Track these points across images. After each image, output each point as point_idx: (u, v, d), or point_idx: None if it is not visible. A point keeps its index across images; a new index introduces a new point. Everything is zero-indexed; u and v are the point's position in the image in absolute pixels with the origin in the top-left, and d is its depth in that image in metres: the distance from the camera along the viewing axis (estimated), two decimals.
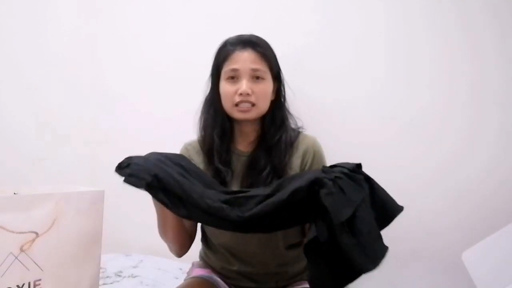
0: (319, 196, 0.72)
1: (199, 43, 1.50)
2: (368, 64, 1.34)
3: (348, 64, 1.36)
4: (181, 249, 1.05)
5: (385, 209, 0.77)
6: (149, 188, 0.79)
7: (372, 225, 0.72)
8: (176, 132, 1.23)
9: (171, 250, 1.07)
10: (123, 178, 0.80)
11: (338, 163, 0.80)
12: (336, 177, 0.73)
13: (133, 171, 0.80)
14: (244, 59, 1.00)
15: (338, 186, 0.72)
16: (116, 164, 0.83)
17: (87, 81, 1.70)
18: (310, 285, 0.80)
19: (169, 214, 0.90)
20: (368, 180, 0.77)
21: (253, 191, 0.82)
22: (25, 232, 0.70)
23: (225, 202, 0.79)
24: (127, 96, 1.65)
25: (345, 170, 0.75)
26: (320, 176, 0.74)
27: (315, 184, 0.73)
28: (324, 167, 0.80)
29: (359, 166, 0.78)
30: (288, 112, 1.11)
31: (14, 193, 0.77)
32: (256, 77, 1.01)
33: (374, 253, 0.70)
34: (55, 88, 1.66)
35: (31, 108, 1.61)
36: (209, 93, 1.09)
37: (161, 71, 1.59)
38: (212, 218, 0.79)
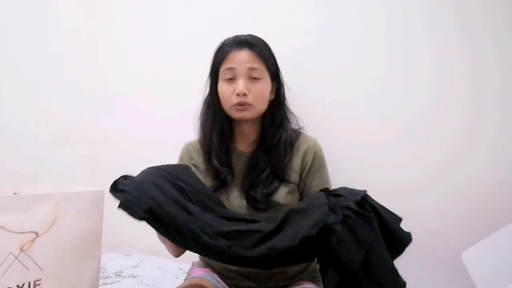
0: (331, 243, 0.70)
1: (199, 43, 1.50)
2: (368, 64, 1.34)
3: (348, 64, 1.35)
4: (180, 252, 1.05)
5: (395, 239, 0.75)
6: (145, 219, 0.77)
7: (385, 262, 0.71)
8: (176, 132, 1.23)
9: (169, 251, 1.07)
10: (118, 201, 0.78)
11: (341, 190, 0.78)
12: (344, 216, 0.71)
13: (126, 201, 0.77)
14: (241, 59, 1.00)
15: (348, 227, 0.70)
16: (112, 183, 0.80)
17: (87, 81, 1.70)
18: None
19: None
20: (375, 210, 0.75)
21: (256, 225, 0.78)
22: (25, 232, 0.70)
23: (225, 236, 0.76)
24: (127, 96, 1.65)
25: (353, 206, 0.72)
26: (329, 221, 0.71)
27: (325, 229, 0.71)
28: (330, 200, 0.75)
29: (364, 198, 0.75)
30: (289, 112, 1.11)
31: (14, 193, 0.77)
32: (253, 77, 1.01)
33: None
34: (55, 88, 1.66)
35: (31, 108, 1.61)
36: (208, 94, 1.10)
37: (161, 71, 1.59)
38: (211, 253, 0.77)
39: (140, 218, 0.76)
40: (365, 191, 0.77)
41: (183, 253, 1.07)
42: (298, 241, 0.71)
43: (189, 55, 1.53)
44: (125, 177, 0.82)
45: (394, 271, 0.72)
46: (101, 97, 1.69)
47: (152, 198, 0.77)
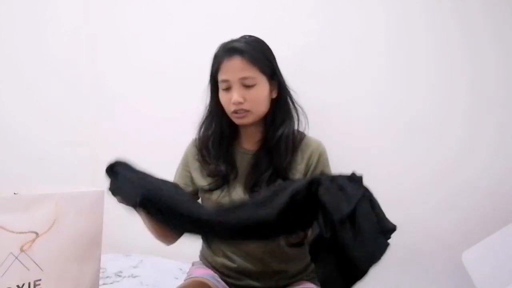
0: (318, 194, 0.70)
1: (199, 43, 1.50)
2: (368, 64, 1.34)
3: (348, 64, 1.35)
4: (171, 241, 1.03)
5: (380, 225, 0.73)
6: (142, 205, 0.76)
7: (372, 220, 0.70)
8: (176, 132, 1.23)
9: (158, 240, 1.06)
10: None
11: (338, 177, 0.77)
12: (334, 177, 0.72)
13: (121, 194, 0.79)
14: (232, 69, 1.00)
15: (336, 184, 0.71)
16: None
17: (87, 82, 1.70)
18: (321, 286, 0.78)
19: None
20: (367, 191, 0.74)
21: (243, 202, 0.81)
22: (25, 232, 0.70)
23: (217, 212, 0.77)
24: (127, 96, 1.65)
25: (344, 175, 0.73)
26: (318, 176, 0.73)
27: (313, 184, 0.71)
28: (323, 172, 0.79)
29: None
30: (294, 109, 1.09)
31: (14, 193, 0.77)
32: (246, 85, 1.00)
33: (374, 249, 0.69)
34: (55, 88, 1.66)
35: (31, 108, 1.61)
36: (210, 102, 1.11)
37: (161, 71, 1.59)
38: (207, 227, 0.76)
39: (135, 203, 0.76)
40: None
41: (174, 242, 1.05)
42: (289, 195, 0.71)
43: (190, 55, 1.53)
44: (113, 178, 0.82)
45: (380, 231, 0.70)
46: (101, 97, 1.69)
47: (144, 187, 0.78)
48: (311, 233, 0.79)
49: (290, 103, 1.09)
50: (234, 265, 1.06)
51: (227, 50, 1.02)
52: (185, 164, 1.13)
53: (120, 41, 1.66)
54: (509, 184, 1.22)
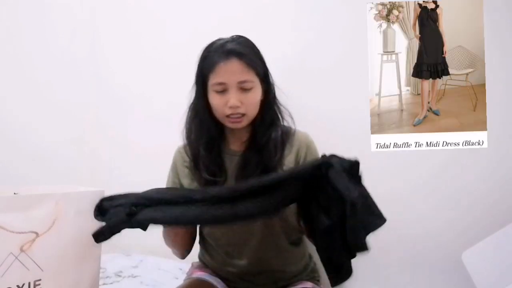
0: (329, 176, 0.74)
1: (199, 43, 1.50)
2: (367, 64, 1.34)
3: (348, 64, 1.35)
4: (187, 252, 1.08)
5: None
6: (134, 213, 0.75)
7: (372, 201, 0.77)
8: (176, 133, 1.23)
9: (176, 254, 1.08)
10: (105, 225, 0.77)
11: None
12: (342, 160, 0.76)
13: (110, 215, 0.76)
14: (230, 72, 0.96)
15: (344, 168, 0.75)
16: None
17: (88, 82, 1.70)
18: (325, 268, 0.81)
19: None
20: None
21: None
22: (25, 232, 0.70)
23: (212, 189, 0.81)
24: (128, 96, 1.65)
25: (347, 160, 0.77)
26: (328, 159, 0.76)
27: (322, 166, 0.75)
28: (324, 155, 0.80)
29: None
30: (281, 109, 1.07)
31: (14, 193, 0.77)
32: (244, 89, 0.97)
33: (379, 211, 0.76)
34: (55, 88, 1.66)
35: (31, 108, 1.61)
36: (194, 101, 1.06)
37: (162, 71, 1.58)
38: (209, 211, 0.76)
39: (129, 213, 0.74)
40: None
41: (188, 254, 1.07)
42: (293, 172, 0.77)
43: (190, 56, 1.52)
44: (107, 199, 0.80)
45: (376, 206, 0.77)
46: (102, 98, 1.69)
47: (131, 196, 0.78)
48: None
49: (277, 103, 1.07)
50: (233, 269, 1.06)
51: (224, 52, 0.97)
52: (174, 172, 1.12)
53: (121, 40, 1.66)
54: (509, 184, 1.22)
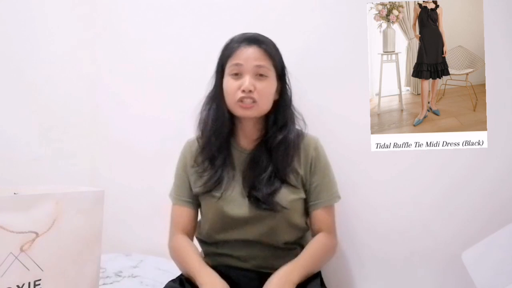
0: None
1: (200, 43, 1.50)
2: (368, 64, 1.34)
3: (348, 64, 1.35)
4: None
5: None
6: None
7: None
8: (176, 133, 1.23)
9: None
10: None
11: None
12: None
13: None
14: (248, 56, 1.00)
15: None
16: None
17: (88, 82, 1.70)
18: None
19: None
20: None
21: None
22: (25, 232, 0.70)
23: None
24: (127, 97, 1.65)
25: None
26: None
27: None
28: None
29: None
30: (295, 113, 1.10)
31: (14, 193, 0.77)
32: (259, 74, 1.00)
33: None
34: (55, 88, 1.66)
35: (31, 108, 1.61)
36: (212, 89, 1.09)
37: (162, 71, 1.59)
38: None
39: None
40: None
41: None
42: None
43: (189, 56, 1.53)
44: None
45: None
46: (101, 98, 1.69)
47: None
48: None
49: (292, 107, 1.09)
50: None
51: (246, 39, 1.02)
52: (184, 167, 1.12)
53: (120, 41, 1.66)
54: (509, 184, 1.22)
